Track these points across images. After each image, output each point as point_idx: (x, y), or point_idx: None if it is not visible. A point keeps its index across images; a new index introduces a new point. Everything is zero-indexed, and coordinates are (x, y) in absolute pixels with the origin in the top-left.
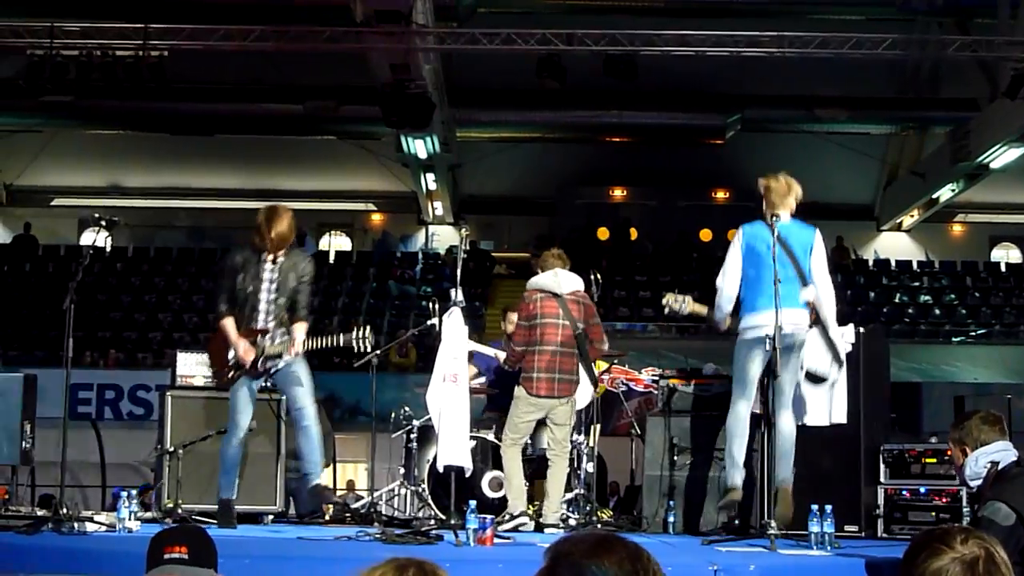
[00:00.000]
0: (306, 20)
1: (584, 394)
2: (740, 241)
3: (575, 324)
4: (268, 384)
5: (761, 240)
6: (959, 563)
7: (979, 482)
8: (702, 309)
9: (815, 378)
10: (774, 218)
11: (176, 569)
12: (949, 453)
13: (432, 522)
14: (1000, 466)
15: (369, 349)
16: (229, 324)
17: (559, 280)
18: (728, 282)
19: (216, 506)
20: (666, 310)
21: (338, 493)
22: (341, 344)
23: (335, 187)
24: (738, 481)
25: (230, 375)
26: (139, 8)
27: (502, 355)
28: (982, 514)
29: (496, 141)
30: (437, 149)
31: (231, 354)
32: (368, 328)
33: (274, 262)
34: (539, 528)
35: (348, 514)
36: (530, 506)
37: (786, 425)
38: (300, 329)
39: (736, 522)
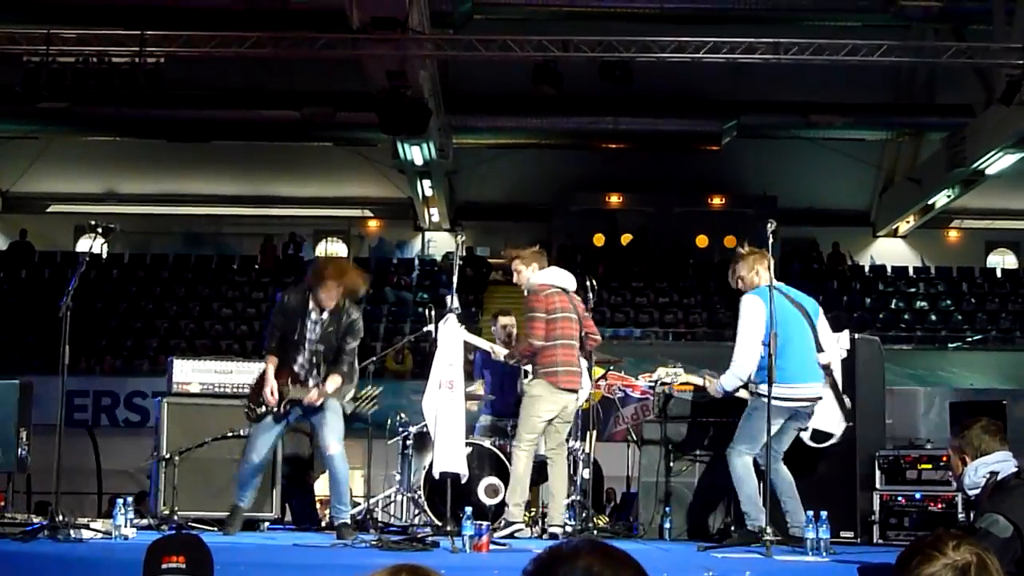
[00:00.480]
0: (302, 27)
1: (585, 389)
2: (762, 309)
3: (580, 319)
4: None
5: (785, 309)
6: (951, 569)
7: (977, 491)
8: (697, 380)
9: (821, 436)
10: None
11: None
12: (945, 459)
13: (428, 529)
14: (999, 476)
15: (371, 412)
16: (270, 364)
17: (564, 276)
18: (754, 352)
19: (212, 512)
20: (658, 383)
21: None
22: (347, 412)
23: (331, 193)
24: (763, 521)
25: (258, 411)
26: (135, 15)
27: (500, 350)
28: (979, 525)
29: (492, 147)
30: (433, 155)
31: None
32: (379, 390)
33: (322, 311)
34: (544, 532)
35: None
36: (526, 513)
37: (785, 470)
38: (331, 381)
39: (732, 528)
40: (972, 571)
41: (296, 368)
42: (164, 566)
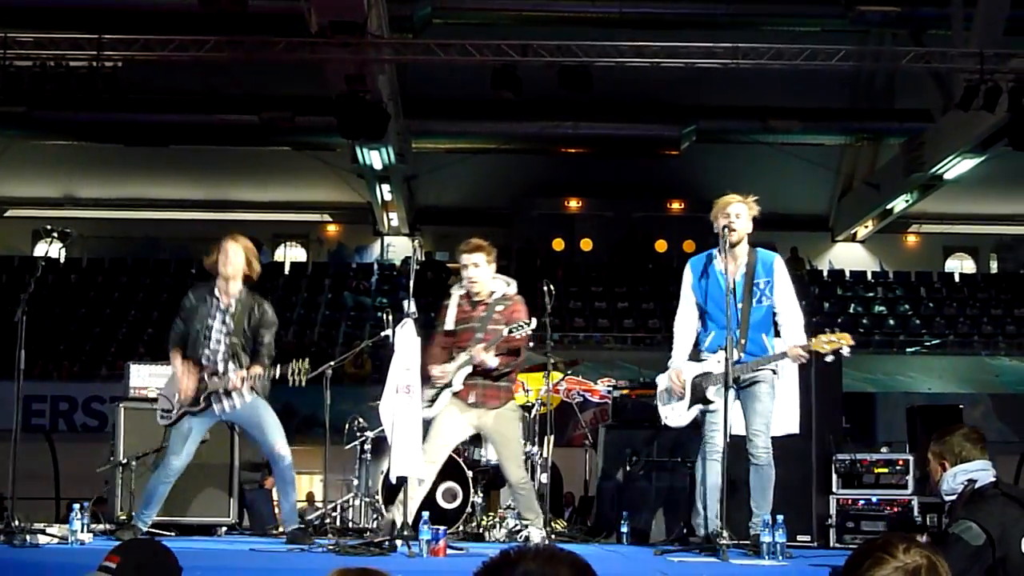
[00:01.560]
0: (261, 30)
1: None
2: None
3: None
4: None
5: None
6: (901, 572)
7: (954, 497)
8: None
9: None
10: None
11: None
12: (902, 463)
13: (385, 533)
14: (977, 485)
15: (303, 384)
16: (176, 359)
17: None
18: None
19: (169, 517)
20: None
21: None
22: (276, 377)
23: (290, 198)
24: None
25: (174, 412)
26: (93, 18)
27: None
28: (952, 531)
29: (452, 152)
30: (392, 160)
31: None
32: (307, 360)
33: (226, 303)
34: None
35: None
36: (484, 517)
37: None
38: (253, 369)
39: (686, 532)
40: (923, 574)
41: (211, 363)
42: (99, 564)
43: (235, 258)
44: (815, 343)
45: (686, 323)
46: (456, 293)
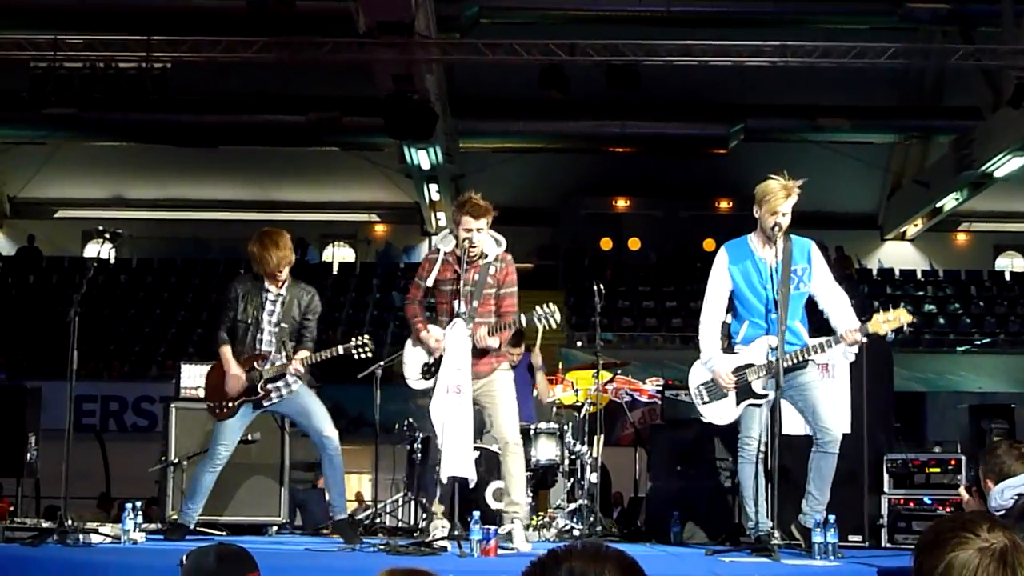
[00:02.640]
0: (309, 31)
1: None
2: None
3: None
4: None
5: None
6: (987, 553)
7: (1002, 513)
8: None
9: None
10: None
11: None
12: (954, 463)
13: (436, 533)
14: None
15: (369, 356)
16: (227, 352)
17: None
18: None
19: (221, 516)
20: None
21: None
22: (340, 353)
23: (338, 198)
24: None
25: (230, 404)
26: (142, 20)
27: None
28: None
29: (499, 152)
30: (440, 160)
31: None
32: (367, 336)
33: (276, 293)
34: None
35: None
36: (534, 517)
37: None
38: (301, 354)
39: (737, 532)
40: (1009, 556)
41: (261, 350)
42: None
43: (288, 251)
44: (874, 324)
45: (716, 311)
46: (443, 249)
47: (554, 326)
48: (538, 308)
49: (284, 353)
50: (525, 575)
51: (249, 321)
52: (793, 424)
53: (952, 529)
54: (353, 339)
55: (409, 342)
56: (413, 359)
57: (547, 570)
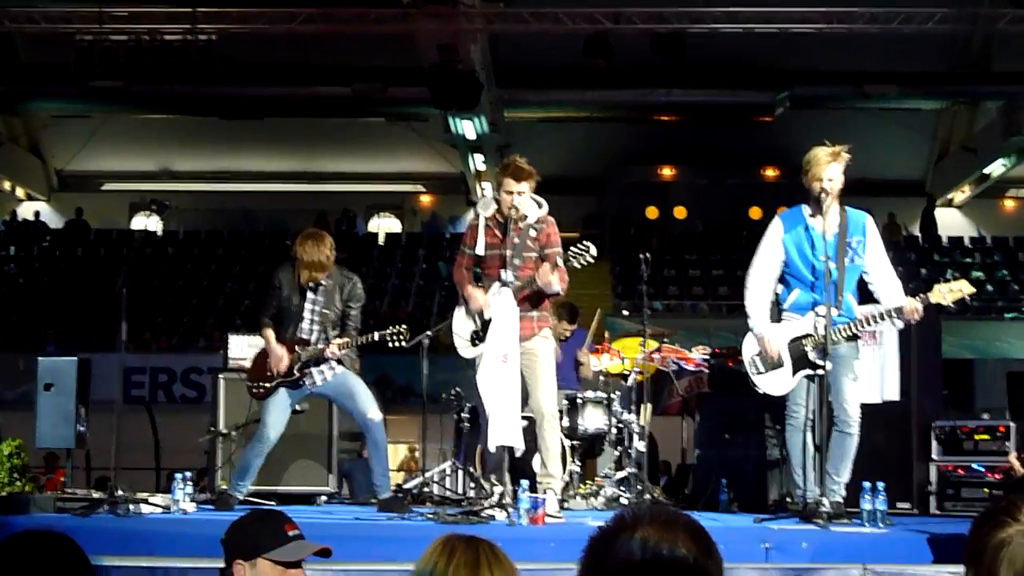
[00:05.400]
0: (353, 2)
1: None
2: None
3: None
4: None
5: None
6: (1023, 535)
7: None
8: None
9: None
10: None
11: None
12: (1003, 429)
13: (484, 502)
14: None
15: (404, 345)
16: (269, 334)
17: None
18: None
19: (271, 487)
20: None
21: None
22: (376, 340)
23: (384, 169)
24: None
25: (267, 385)
26: None
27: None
28: None
29: (544, 121)
30: (485, 130)
31: (268, 364)
32: (404, 326)
33: (319, 282)
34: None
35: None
36: (582, 485)
37: None
38: (339, 340)
39: (788, 500)
40: None
41: (303, 335)
42: None
43: (323, 256)
44: (935, 294)
45: (766, 280)
46: (483, 214)
47: (591, 262)
48: (572, 248)
49: (325, 340)
50: (592, 542)
51: (292, 309)
52: (864, 392)
53: (994, 513)
54: (390, 327)
55: (459, 310)
56: (463, 327)
57: (616, 537)
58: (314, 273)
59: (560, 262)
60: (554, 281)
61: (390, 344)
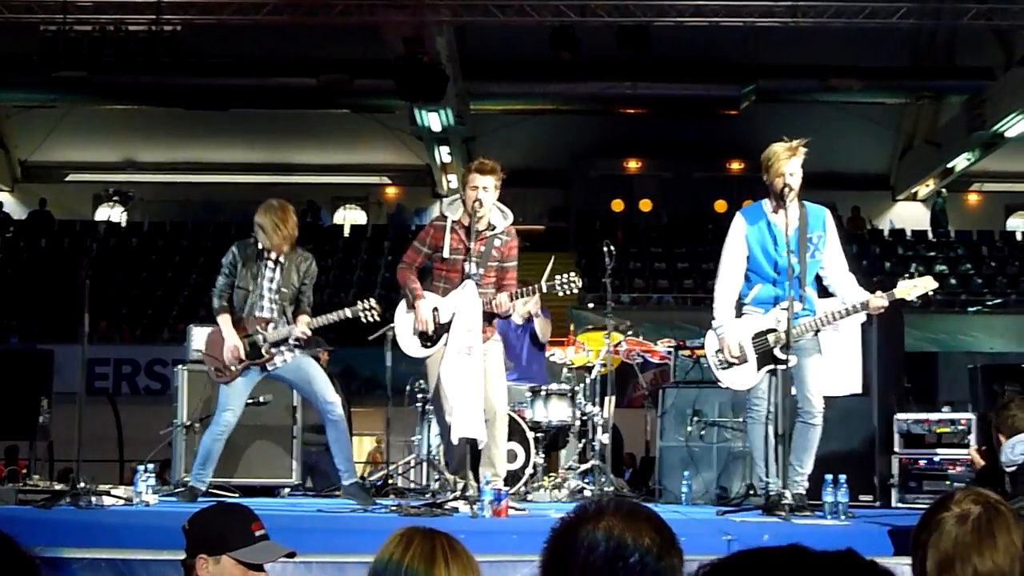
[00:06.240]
0: None
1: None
2: None
3: None
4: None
5: None
6: (954, 518)
7: (1014, 468)
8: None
9: None
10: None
11: None
12: (965, 422)
13: (448, 494)
14: None
15: (377, 320)
16: (227, 320)
17: None
18: None
19: (233, 479)
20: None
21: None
22: (348, 316)
23: (349, 160)
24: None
25: (233, 369)
26: None
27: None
28: (1014, 507)
29: (510, 113)
30: (451, 122)
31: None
32: (374, 300)
33: (276, 260)
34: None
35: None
36: (546, 477)
37: None
38: (303, 318)
39: (751, 492)
40: (970, 522)
41: (262, 314)
42: None
43: (294, 227)
44: (900, 290)
45: (736, 279)
46: (451, 217)
47: (575, 292)
48: (559, 277)
49: (285, 318)
50: (554, 534)
51: (249, 288)
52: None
53: (934, 505)
54: (360, 302)
55: (401, 308)
56: (407, 325)
57: (579, 528)
58: (282, 245)
59: (534, 290)
60: (512, 313)
61: (363, 319)
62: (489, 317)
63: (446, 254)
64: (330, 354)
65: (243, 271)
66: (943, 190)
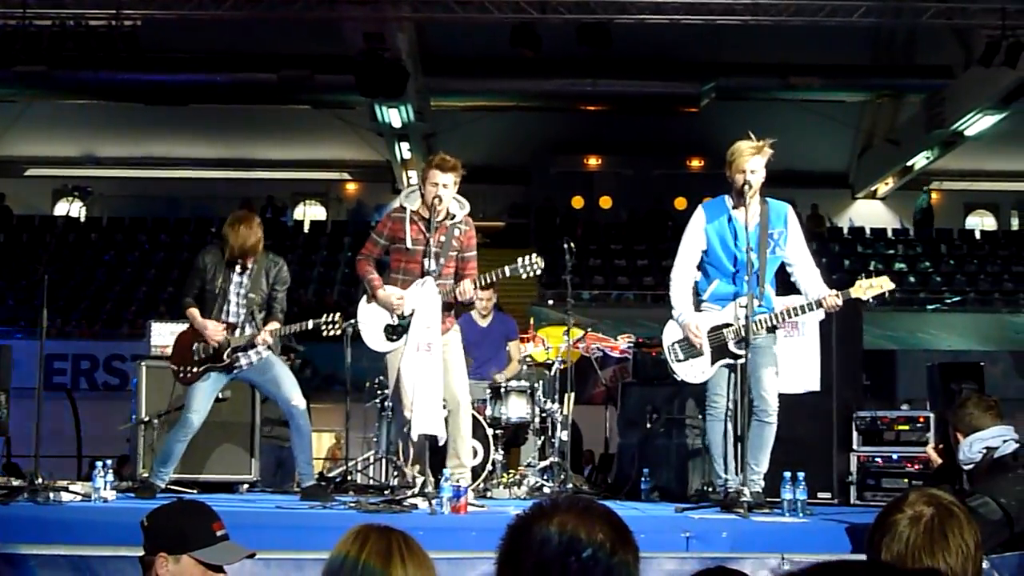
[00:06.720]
0: None
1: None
2: None
3: None
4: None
5: None
6: (907, 520)
7: (972, 467)
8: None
9: None
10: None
11: None
12: (923, 420)
13: (407, 491)
14: (996, 454)
15: (337, 334)
16: (195, 312)
17: None
18: None
19: (192, 475)
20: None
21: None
22: (310, 328)
23: (309, 156)
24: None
25: (194, 370)
26: None
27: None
28: (970, 504)
29: (471, 110)
30: (411, 118)
31: (195, 347)
32: (338, 313)
33: (244, 265)
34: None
35: (325, 484)
36: (505, 474)
37: None
38: (271, 325)
39: (709, 489)
40: (923, 522)
41: (229, 319)
42: None
43: (255, 238)
44: (856, 290)
45: (689, 270)
46: (410, 208)
47: (537, 273)
48: (521, 259)
49: (254, 323)
50: (510, 530)
51: (217, 291)
52: (784, 382)
53: (887, 507)
54: (325, 315)
55: (363, 302)
56: (372, 320)
57: (533, 524)
58: (244, 256)
59: (498, 278)
60: (476, 300)
61: (324, 333)
62: (449, 307)
63: (408, 244)
64: (301, 355)
65: (211, 275)
66: (928, 187)
